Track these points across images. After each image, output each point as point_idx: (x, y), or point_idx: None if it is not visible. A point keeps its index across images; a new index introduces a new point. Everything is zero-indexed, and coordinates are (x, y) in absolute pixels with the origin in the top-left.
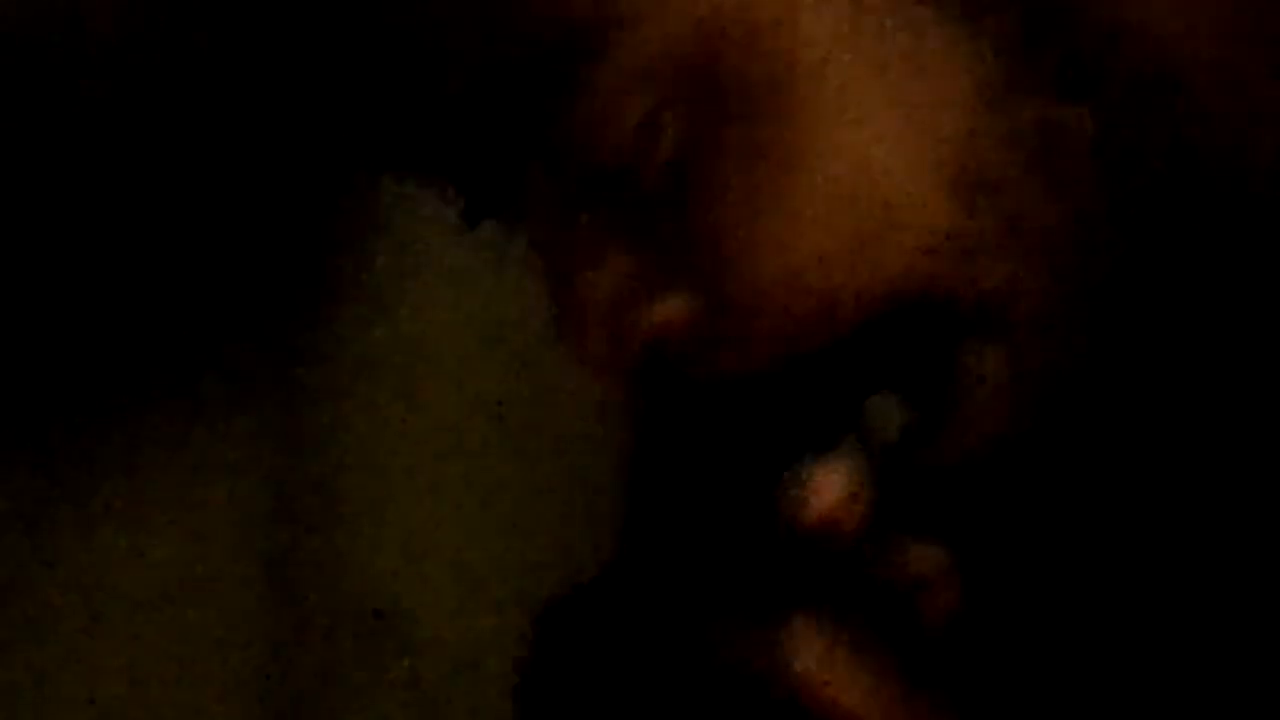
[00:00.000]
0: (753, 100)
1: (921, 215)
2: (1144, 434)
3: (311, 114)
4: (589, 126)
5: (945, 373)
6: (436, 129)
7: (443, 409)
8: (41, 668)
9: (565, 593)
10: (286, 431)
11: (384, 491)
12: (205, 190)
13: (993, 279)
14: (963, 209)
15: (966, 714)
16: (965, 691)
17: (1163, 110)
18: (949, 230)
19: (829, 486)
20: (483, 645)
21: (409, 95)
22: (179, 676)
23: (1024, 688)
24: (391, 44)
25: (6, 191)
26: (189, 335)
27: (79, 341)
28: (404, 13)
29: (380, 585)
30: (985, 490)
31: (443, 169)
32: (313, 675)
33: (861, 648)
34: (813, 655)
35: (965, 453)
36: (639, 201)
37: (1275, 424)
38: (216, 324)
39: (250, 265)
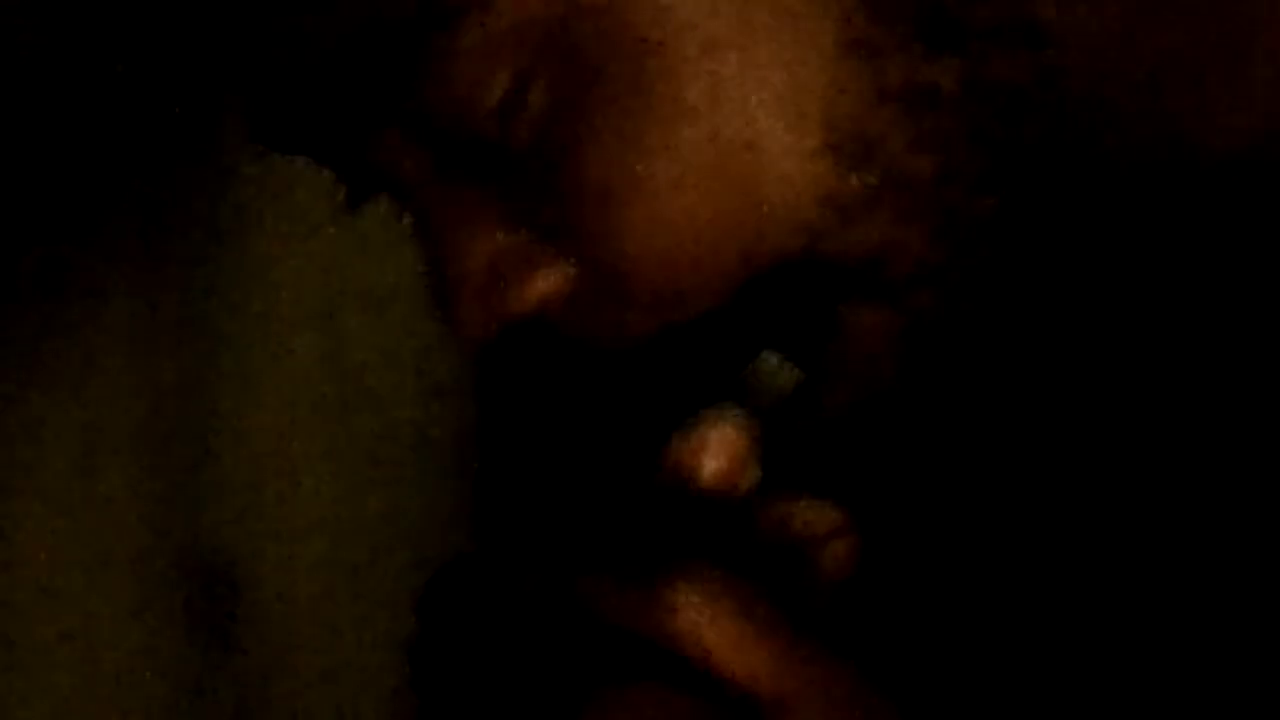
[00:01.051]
0: (617, 65)
1: (795, 175)
2: (1027, 387)
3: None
4: (452, 97)
5: (827, 331)
6: (304, 108)
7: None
8: None
9: (449, 561)
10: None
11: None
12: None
13: (870, 236)
14: (836, 167)
15: (861, 667)
16: (860, 646)
17: (1028, 61)
18: (823, 189)
19: (722, 444)
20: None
21: (274, 69)
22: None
23: (916, 641)
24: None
25: None
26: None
27: None
28: None
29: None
30: (872, 446)
31: (317, 150)
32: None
33: (748, 601)
34: (695, 608)
35: (849, 409)
36: (509, 171)
37: (1147, 377)
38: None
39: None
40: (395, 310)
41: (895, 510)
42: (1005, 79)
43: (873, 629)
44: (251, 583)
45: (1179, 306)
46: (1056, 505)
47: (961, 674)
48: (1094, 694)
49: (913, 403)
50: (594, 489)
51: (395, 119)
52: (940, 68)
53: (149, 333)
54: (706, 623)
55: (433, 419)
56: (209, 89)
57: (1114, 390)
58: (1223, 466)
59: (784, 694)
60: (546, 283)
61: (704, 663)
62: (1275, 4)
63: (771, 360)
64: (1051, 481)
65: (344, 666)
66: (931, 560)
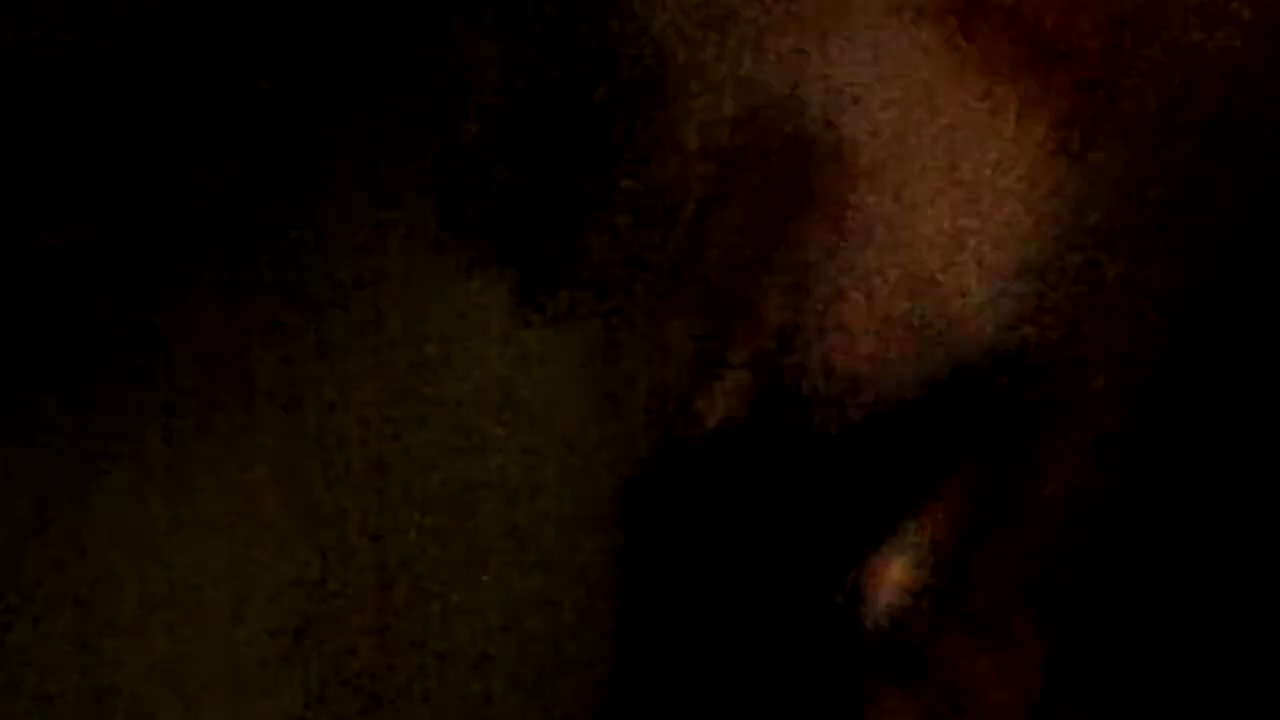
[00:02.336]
0: (808, 185)
1: (987, 306)
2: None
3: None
4: (648, 200)
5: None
6: (487, 197)
7: None
8: None
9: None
10: None
11: None
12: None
13: (1062, 345)
14: (1027, 297)
15: None
16: None
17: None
18: (1015, 318)
19: (897, 579)
20: None
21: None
22: None
23: None
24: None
25: None
26: None
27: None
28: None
29: None
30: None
31: (495, 239)
32: None
33: None
34: None
35: (1046, 520)
36: (702, 276)
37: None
38: None
39: None
40: None
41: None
42: None
43: None
44: None
45: None
46: None
47: None
48: None
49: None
50: (764, 608)
51: (597, 219)
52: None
53: None
54: None
55: None
56: None
57: None
58: None
59: None
60: (737, 380)
61: None
62: None
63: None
64: None
65: None
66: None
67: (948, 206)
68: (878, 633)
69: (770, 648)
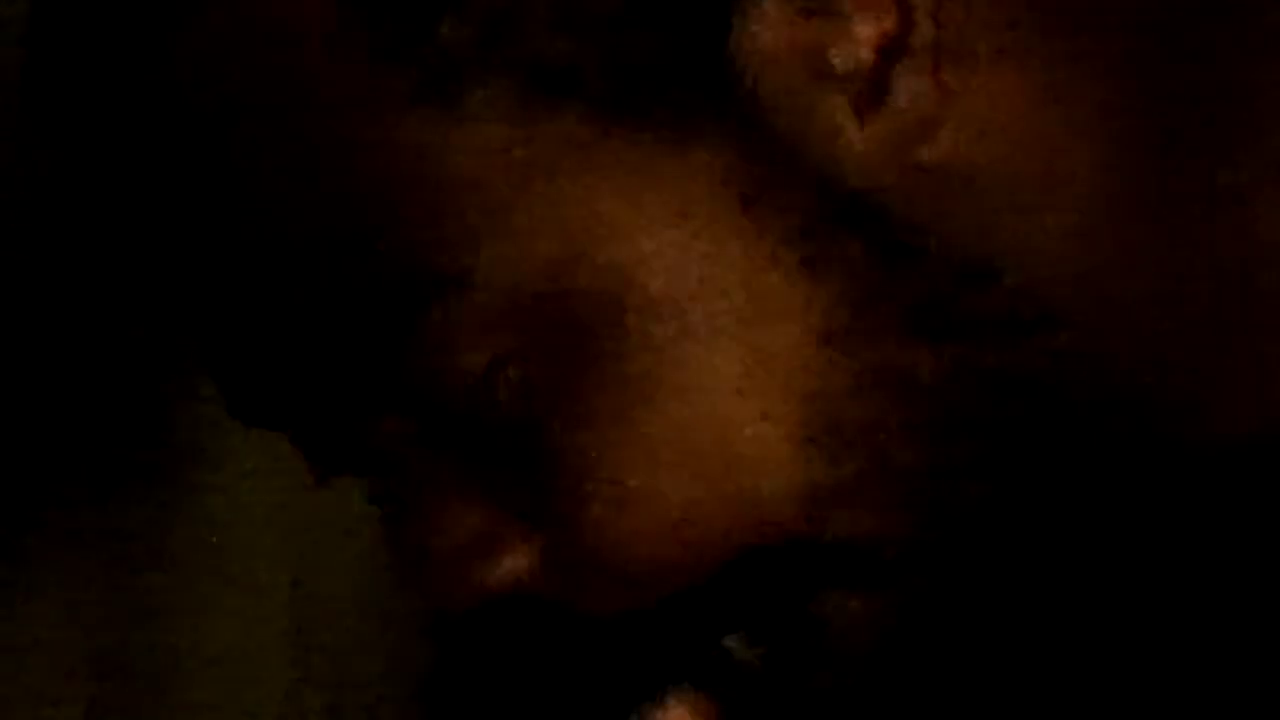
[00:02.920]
0: (595, 345)
1: (770, 464)
2: (1016, 659)
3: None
4: (430, 376)
5: (807, 615)
6: (283, 382)
7: None
8: None
9: None
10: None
11: None
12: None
13: (852, 525)
14: (813, 457)
15: None
16: None
17: (1031, 348)
18: (800, 479)
19: None
20: None
21: (252, 342)
22: None
23: None
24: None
25: None
26: None
27: None
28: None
29: None
30: None
31: (293, 424)
32: None
33: None
34: None
35: (827, 692)
36: (486, 446)
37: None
38: None
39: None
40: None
41: None
42: (1001, 366)
43: None
44: None
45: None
46: None
47: None
48: None
49: (893, 682)
50: None
51: (375, 391)
52: (927, 356)
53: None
54: None
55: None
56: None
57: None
58: None
59: None
60: (517, 562)
61: None
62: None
63: (737, 642)
64: None
65: None
66: None
67: (739, 367)
68: None
69: None
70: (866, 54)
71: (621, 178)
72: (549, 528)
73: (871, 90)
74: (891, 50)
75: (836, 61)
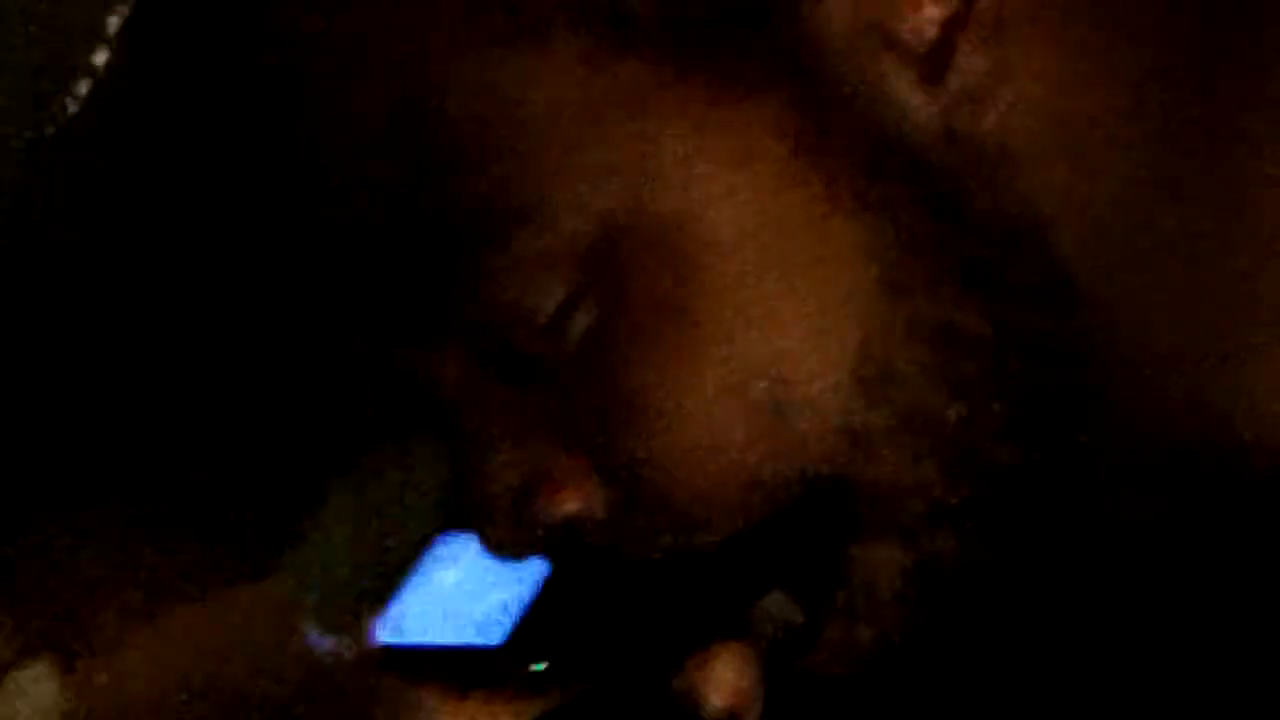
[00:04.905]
0: (660, 284)
1: (821, 405)
2: (1040, 628)
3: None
4: (504, 307)
5: (838, 570)
6: (353, 317)
7: None
8: None
9: None
10: None
11: None
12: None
13: (888, 472)
14: (860, 400)
15: None
16: None
17: (1058, 320)
18: (847, 421)
19: (731, 681)
20: None
21: (323, 276)
22: None
23: None
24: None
25: None
26: None
27: None
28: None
29: None
30: (875, 683)
31: (362, 369)
32: None
33: None
34: None
35: (853, 654)
36: (550, 384)
37: (1176, 624)
38: None
39: None
40: None
41: None
42: (1035, 332)
43: None
44: None
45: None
46: None
47: None
48: None
49: (917, 640)
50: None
51: (441, 329)
52: (972, 314)
53: None
54: None
55: None
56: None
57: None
58: None
59: None
60: (576, 501)
61: None
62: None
63: (778, 598)
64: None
65: None
66: None
67: (799, 308)
68: None
69: None
70: (934, 29)
71: (687, 123)
72: (610, 466)
73: (934, 60)
74: (955, 22)
75: (907, 36)
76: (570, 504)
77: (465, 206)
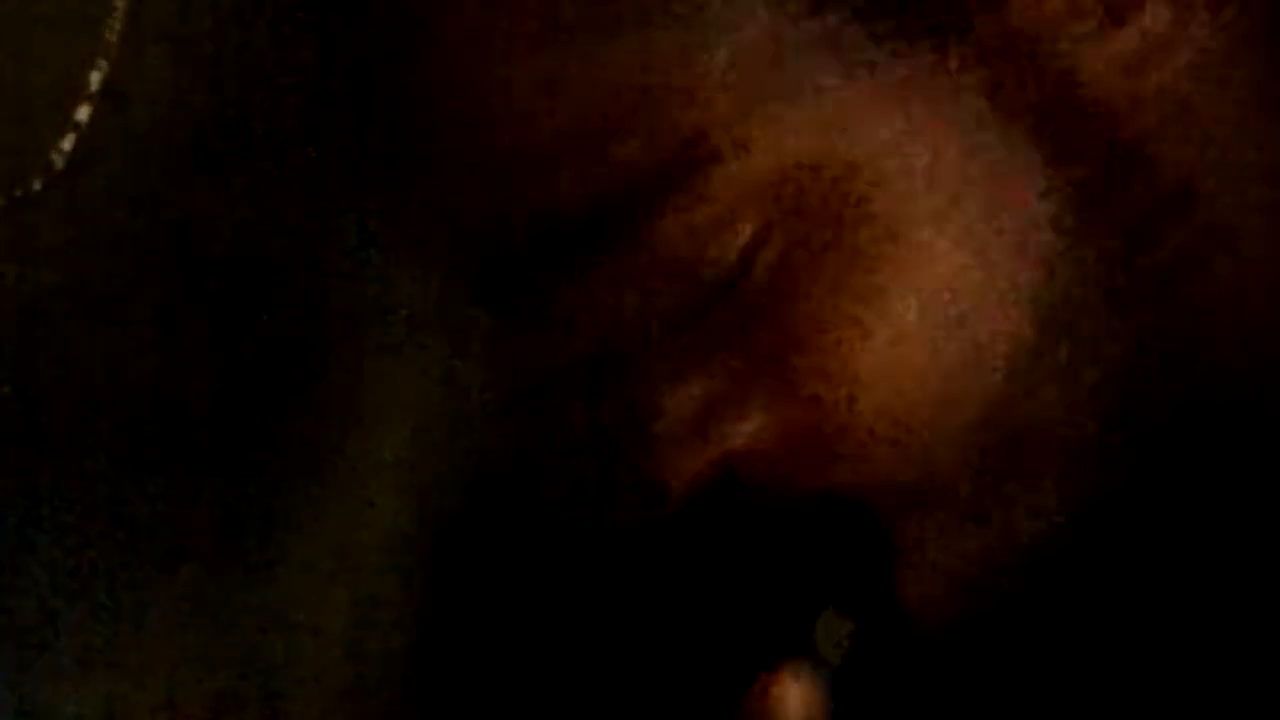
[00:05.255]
0: (841, 231)
1: (1000, 345)
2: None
3: None
4: (697, 241)
5: (884, 590)
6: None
7: None
8: None
9: None
10: None
11: None
12: None
13: (1062, 412)
14: (1039, 339)
15: None
16: None
17: (1206, 279)
18: (1023, 364)
19: (800, 699)
20: None
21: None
22: None
23: None
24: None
25: None
26: None
27: None
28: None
29: None
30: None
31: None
32: None
33: None
34: None
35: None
36: (733, 319)
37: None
38: None
39: None
40: None
41: None
42: (1183, 290)
43: None
44: None
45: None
46: None
47: None
48: None
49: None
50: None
51: (615, 259)
52: (1130, 274)
53: None
54: None
55: None
56: None
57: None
58: None
59: None
60: (752, 426)
61: None
62: None
63: (831, 616)
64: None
65: None
66: None
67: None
68: None
69: None
70: None
71: (876, 71)
72: (782, 399)
73: (1117, 10)
74: None
75: None
76: (751, 423)
77: (662, 145)
